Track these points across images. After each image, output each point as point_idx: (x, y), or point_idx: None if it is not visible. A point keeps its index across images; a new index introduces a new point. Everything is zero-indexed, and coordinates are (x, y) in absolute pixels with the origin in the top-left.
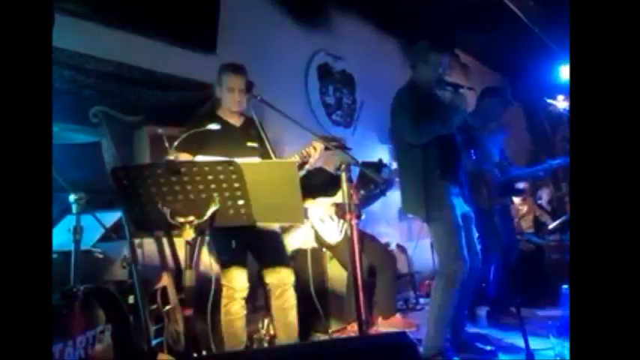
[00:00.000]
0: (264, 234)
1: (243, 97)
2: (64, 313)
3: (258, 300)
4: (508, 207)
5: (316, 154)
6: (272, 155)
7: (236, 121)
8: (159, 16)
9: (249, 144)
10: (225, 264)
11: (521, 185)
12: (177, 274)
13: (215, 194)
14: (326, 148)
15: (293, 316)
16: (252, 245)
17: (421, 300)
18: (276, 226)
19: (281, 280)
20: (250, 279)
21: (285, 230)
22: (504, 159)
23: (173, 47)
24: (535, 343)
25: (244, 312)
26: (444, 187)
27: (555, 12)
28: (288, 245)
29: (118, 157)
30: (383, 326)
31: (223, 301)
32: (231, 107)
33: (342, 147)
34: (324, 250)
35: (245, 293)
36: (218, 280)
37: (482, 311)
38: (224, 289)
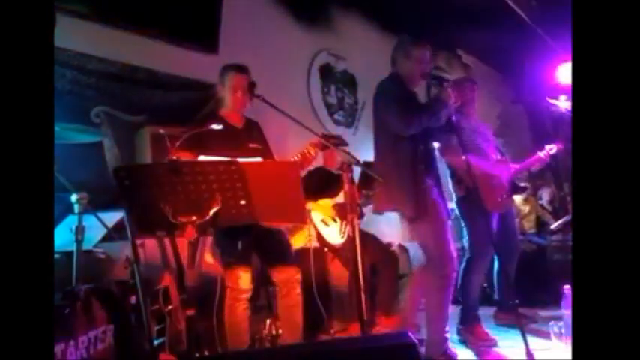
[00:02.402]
0: (269, 233)
1: (245, 97)
2: (66, 313)
3: (260, 300)
4: (510, 207)
5: (316, 151)
6: (274, 156)
7: (238, 121)
8: (161, 16)
9: (251, 145)
10: (229, 264)
11: (522, 183)
12: (179, 274)
13: (217, 194)
14: (326, 147)
15: (299, 314)
16: (257, 245)
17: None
18: (284, 225)
19: (288, 278)
20: (252, 279)
21: (288, 231)
22: (501, 157)
23: (175, 47)
24: (537, 344)
25: (248, 313)
26: (428, 184)
27: (557, 11)
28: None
29: (120, 156)
30: (385, 326)
31: (227, 302)
32: (234, 107)
33: (343, 144)
34: (326, 249)
35: (249, 294)
36: (222, 280)
37: (488, 312)
38: (228, 290)
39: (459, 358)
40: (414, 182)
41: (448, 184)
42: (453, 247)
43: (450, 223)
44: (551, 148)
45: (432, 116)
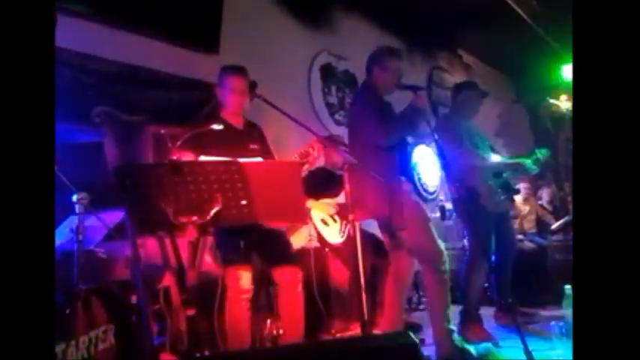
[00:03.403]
0: (270, 232)
1: (244, 98)
2: (67, 313)
3: (261, 300)
4: (508, 207)
5: (315, 154)
6: (274, 158)
7: (238, 122)
8: (162, 16)
9: (252, 146)
10: (230, 265)
11: (518, 184)
12: (180, 274)
13: (218, 194)
14: (327, 147)
15: (300, 313)
16: (257, 245)
17: (424, 299)
18: (284, 225)
19: (289, 277)
20: (253, 279)
21: (287, 230)
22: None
23: (176, 47)
24: (538, 344)
25: (249, 313)
26: (407, 189)
27: (558, 12)
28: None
29: (120, 156)
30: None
31: (228, 303)
32: (233, 109)
33: (344, 145)
34: (326, 249)
35: (250, 294)
36: (222, 280)
37: (489, 312)
38: (229, 291)
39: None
40: (396, 193)
41: (444, 185)
42: (439, 241)
43: (450, 222)
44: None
45: (408, 125)
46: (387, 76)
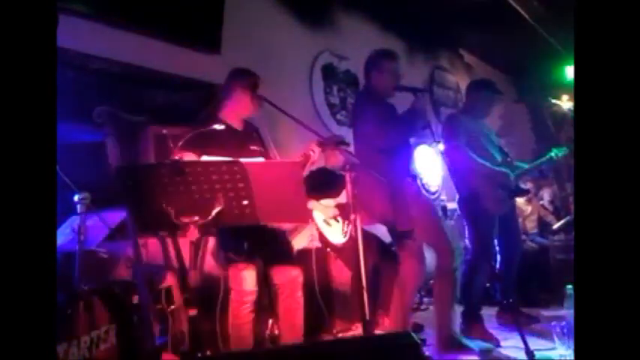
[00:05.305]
0: (271, 234)
1: (250, 102)
2: (69, 313)
3: (262, 300)
4: (513, 207)
5: (316, 156)
6: (275, 157)
7: (239, 124)
8: (163, 16)
9: (252, 146)
10: (233, 266)
11: (526, 185)
12: (182, 274)
13: (219, 194)
14: (327, 147)
15: (300, 316)
16: (259, 246)
17: (425, 300)
18: (287, 225)
19: (291, 279)
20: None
21: (289, 230)
22: (506, 157)
23: (178, 47)
24: (539, 344)
25: (252, 315)
26: (415, 190)
27: (560, 12)
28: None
29: (122, 156)
30: (387, 326)
31: (232, 305)
32: (238, 112)
33: (345, 145)
34: (328, 250)
35: (254, 296)
36: (224, 280)
37: (491, 312)
38: (232, 293)
39: (461, 357)
40: (400, 195)
41: (446, 185)
42: (451, 240)
43: (452, 222)
44: (561, 151)
45: (409, 127)
46: (385, 78)
